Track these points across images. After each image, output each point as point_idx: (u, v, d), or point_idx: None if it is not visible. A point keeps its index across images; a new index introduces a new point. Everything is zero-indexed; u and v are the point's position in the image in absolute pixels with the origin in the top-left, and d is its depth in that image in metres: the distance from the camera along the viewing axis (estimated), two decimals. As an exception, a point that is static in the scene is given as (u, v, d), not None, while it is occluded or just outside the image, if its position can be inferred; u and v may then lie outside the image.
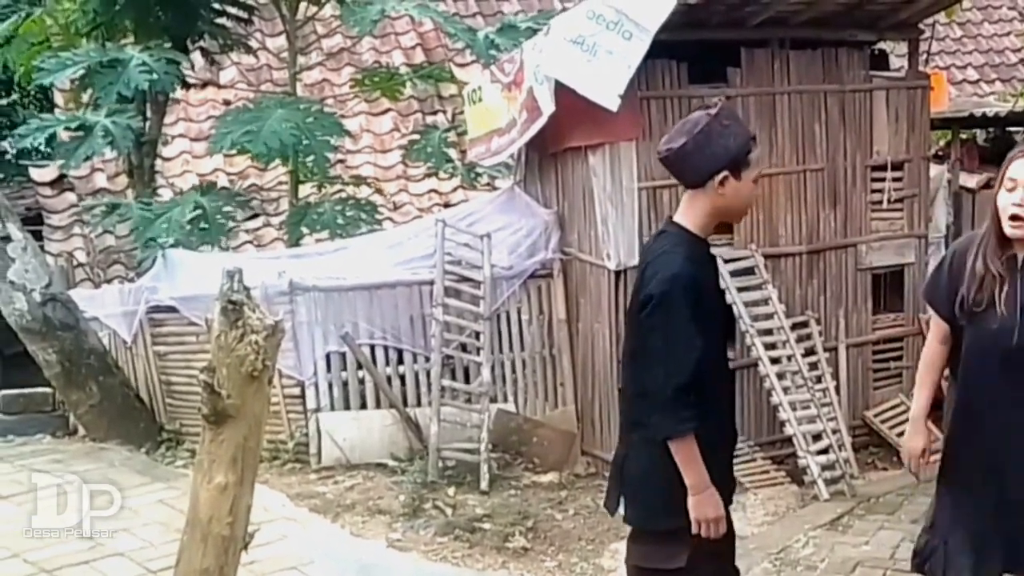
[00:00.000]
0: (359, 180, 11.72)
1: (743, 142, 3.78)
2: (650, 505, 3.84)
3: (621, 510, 3.98)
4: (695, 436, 3.68)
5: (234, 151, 10.29)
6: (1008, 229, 3.90)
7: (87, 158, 10.22)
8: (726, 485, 3.91)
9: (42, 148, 14.32)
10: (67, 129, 10.02)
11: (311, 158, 10.03)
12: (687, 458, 3.68)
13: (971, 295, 3.97)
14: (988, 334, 3.95)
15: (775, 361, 7.87)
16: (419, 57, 14.61)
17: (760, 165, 3.88)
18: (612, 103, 7.37)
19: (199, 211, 9.72)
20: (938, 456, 4.25)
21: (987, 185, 9.99)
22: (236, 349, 3.39)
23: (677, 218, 3.87)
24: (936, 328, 4.22)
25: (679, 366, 3.64)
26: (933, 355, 4.25)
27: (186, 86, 10.84)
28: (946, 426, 4.24)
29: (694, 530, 3.72)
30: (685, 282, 3.67)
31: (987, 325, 3.95)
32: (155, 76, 9.64)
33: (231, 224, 10.42)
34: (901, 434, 8.27)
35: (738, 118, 4.00)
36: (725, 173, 3.74)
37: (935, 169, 9.34)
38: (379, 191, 12.14)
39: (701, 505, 3.72)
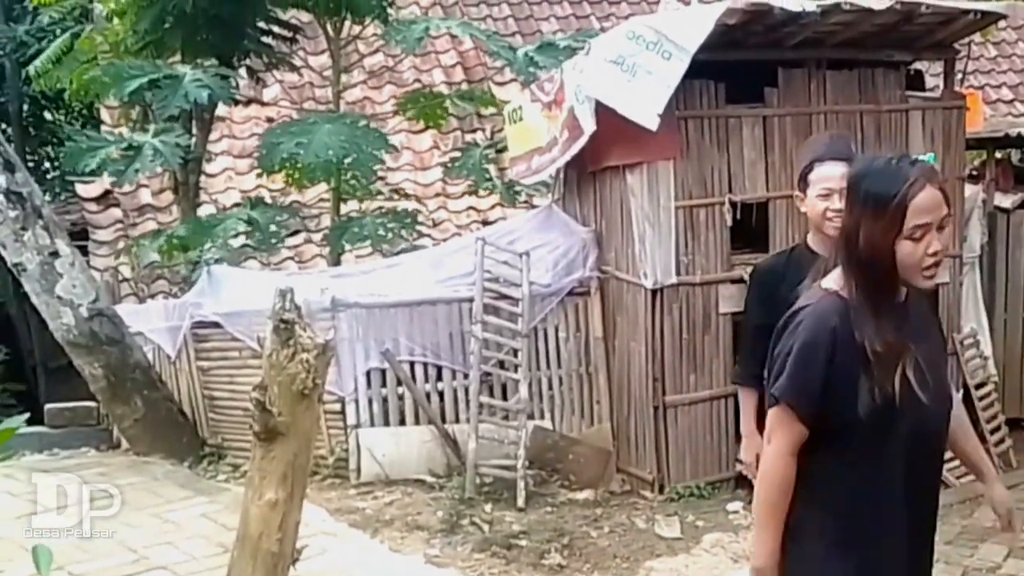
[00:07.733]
0: (400, 193, 11.81)
1: (804, 163, 4.41)
2: None
3: None
4: None
5: (279, 171, 10.36)
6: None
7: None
8: None
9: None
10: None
11: (351, 176, 10.10)
12: None
13: None
14: None
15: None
16: (459, 76, 14.72)
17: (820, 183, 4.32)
18: (651, 122, 7.43)
19: (249, 226, 9.79)
20: None
21: (1022, 205, 9.98)
22: (287, 367, 3.45)
23: None
24: None
25: None
26: None
27: (232, 103, 10.98)
28: None
29: None
30: None
31: None
32: (211, 90, 9.79)
33: (284, 234, 10.49)
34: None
35: (810, 142, 4.76)
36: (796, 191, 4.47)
37: (970, 189, 9.32)
38: (419, 203, 12.23)
39: None
